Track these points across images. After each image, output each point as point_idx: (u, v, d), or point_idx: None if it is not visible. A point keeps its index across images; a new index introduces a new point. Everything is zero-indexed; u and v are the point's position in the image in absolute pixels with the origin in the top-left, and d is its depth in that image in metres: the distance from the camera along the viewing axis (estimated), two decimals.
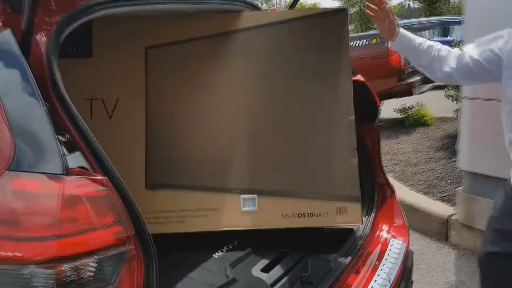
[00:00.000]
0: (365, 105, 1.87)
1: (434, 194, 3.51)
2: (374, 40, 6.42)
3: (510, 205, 1.53)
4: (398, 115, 6.23)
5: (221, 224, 1.60)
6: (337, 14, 1.57)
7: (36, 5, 0.98)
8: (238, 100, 1.59)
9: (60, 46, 1.08)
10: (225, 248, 1.59)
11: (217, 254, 1.55)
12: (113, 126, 1.60)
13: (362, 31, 34.02)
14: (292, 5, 2.05)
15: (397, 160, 4.53)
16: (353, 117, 1.57)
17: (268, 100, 1.59)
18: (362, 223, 1.61)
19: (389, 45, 1.65)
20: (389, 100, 6.30)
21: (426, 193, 3.58)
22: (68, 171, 0.87)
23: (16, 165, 0.84)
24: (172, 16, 1.58)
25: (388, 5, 1.59)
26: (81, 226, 0.85)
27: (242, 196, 1.60)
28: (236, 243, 1.62)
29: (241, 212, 1.59)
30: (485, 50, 1.57)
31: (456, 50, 1.64)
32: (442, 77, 1.66)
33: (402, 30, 1.64)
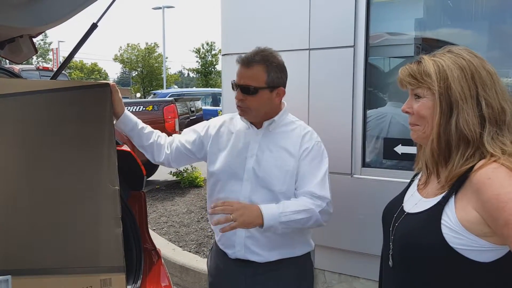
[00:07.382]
0: (132, 173, 1.97)
1: (204, 253, 3.78)
2: (150, 107, 6.75)
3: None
4: (174, 178, 6.55)
5: None
6: (100, 88, 1.63)
7: None
8: None
9: None
10: None
11: None
12: None
13: (144, 93, 34.87)
14: (55, 75, 2.04)
15: (172, 222, 4.71)
16: (117, 187, 1.62)
17: (24, 171, 1.49)
18: None
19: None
20: None
21: (197, 252, 3.81)
22: None
23: None
24: None
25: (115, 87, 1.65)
26: None
27: None
28: None
29: None
30: (192, 134, 1.85)
31: (170, 138, 1.88)
32: (159, 160, 1.86)
33: (127, 112, 1.75)
